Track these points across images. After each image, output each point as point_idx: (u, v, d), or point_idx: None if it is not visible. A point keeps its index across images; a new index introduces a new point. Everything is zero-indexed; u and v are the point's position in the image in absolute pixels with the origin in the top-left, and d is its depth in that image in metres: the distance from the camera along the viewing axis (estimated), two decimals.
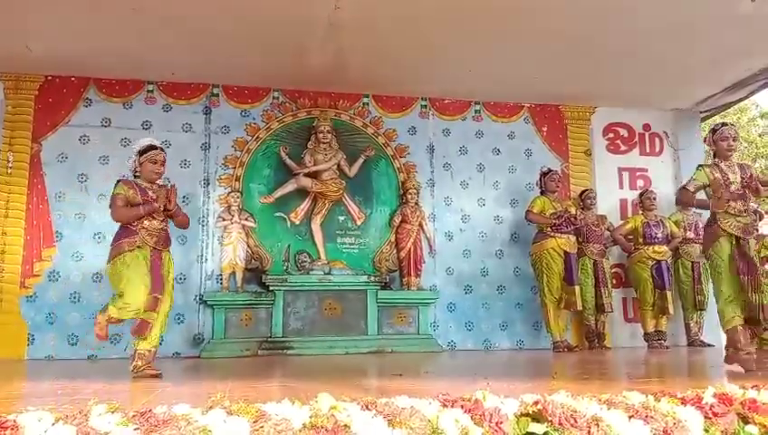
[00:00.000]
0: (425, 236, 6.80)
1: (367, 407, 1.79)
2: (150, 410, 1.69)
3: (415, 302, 6.48)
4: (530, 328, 6.87)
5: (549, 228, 6.26)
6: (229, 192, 6.44)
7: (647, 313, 6.66)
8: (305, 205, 6.59)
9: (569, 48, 5.91)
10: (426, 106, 7.17)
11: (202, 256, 6.38)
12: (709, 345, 6.63)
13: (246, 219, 6.38)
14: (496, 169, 7.16)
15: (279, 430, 1.58)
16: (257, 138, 6.72)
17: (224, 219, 6.35)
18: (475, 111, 7.27)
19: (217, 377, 4.16)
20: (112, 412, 1.65)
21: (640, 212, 6.90)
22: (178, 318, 6.18)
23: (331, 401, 1.79)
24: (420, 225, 6.75)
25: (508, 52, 5.99)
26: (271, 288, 6.16)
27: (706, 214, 7.31)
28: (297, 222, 6.57)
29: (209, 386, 3.36)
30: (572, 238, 6.32)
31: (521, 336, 6.86)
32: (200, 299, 6.24)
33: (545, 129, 7.37)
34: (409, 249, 6.63)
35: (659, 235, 6.68)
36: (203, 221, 6.46)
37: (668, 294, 6.50)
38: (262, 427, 1.61)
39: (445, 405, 1.81)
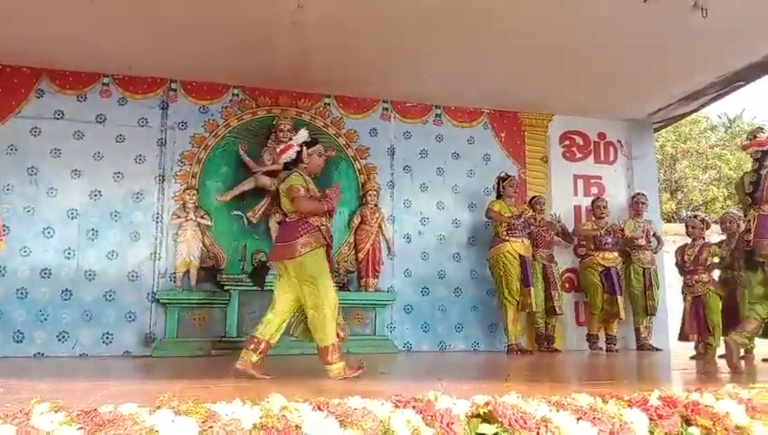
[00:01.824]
0: (383, 238, 6.81)
1: (319, 407, 1.78)
2: (95, 410, 1.64)
3: (372, 303, 6.48)
4: (485, 330, 6.95)
5: (504, 232, 6.34)
6: (185, 189, 6.32)
7: (594, 317, 6.86)
8: (263, 203, 6.51)
9: (528, 56, 6.02)
10: (387, 108, 7.18)
11: (155, 253, 6.24)
12: (657, 349, 6.82)
13: (202, 217, 6.28)
14: (455, 173, 7.23)
15: (228, 431, 1.56)
16: (216, 135, 6.61)
17: (179, 217, 6.23)
18: (436, 115, 7.33)
19: (168, 376, 4.08)
20: (55, 411, 1.60)
21: (592, 219, 7.06)
22: (129, 316, 6.04)
23: (283, 402, 1.77)
24: (379, 226, 6.76)
25: (469, 57, 6.06)
26: (226, 287, 6.08)
27: (658, 222, 7.60)
28: (254, 221, 6.49)
29: (159, 386, 3.29)
30: (527, 242, 6.42)
31: (476, 338, 6.93)
32: (153, 297, 6.11)
33: (504, 134, 7.48)
34: (368, 251, 6.63)
35: (610, 241, 6.86)
36: (157, 218, 6.32)
37: (618, 299, 6.66)
38: (211, 427, 1.58)
39: (397, 406, 1.81)
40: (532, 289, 6.26)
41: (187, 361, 5.29)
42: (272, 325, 3.78)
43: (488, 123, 7.47)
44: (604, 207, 7.01)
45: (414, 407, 1.80)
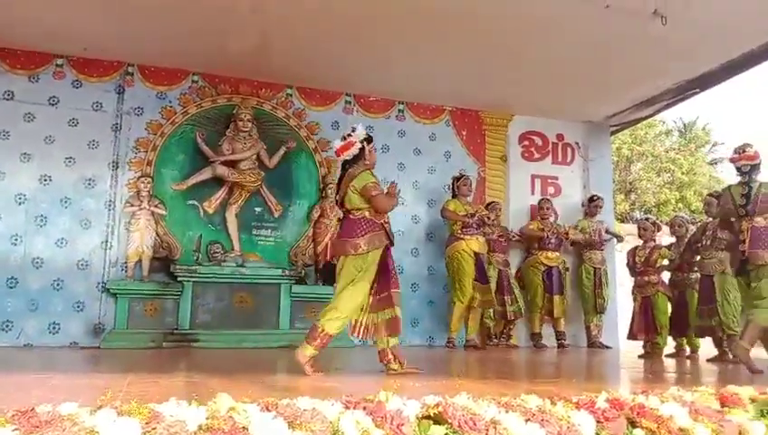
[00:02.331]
0: None
1: (267, 408, 1.75)
2: (32, 410, 1.58)
3: (330, 297, 6.42)
4: (440, 325, 6.97)
5: (459, 230, 6.40)
6: (139, 177, 6.16)
7: (535, 315, 6.98)
8: (220, 194, 6.40)
9: (490, 56, 6.06)
10: (350, 102, 7.14)
11: (107, 241, 6.07)
12: (607, 347, 6.98)
13: (156, 206, 6.13)
14: (416, 169, 7.24)
15: (172, 433, 1.51)
16: (173, 122, 6.46)
17: (132, 205, 6.07)
18: (399, 111, 7.32)
19: (116, 370, 3.98)
20: None
21: (538, 219, 7.17)
22: (78, 306, 5.87)
23: (230, 402, 1.73)
24: (338, 220, 6.72)
25: (432, 55, 6.06)
26: (179, 278, 5.95)
27: (612, 222, 7.76)
28: (211, 211, 6.38)
29: (106, 380, 3.20)
30: (482, 239, 6.49)
31: (431, 333, 6.96)
32: (103, 287, 5.94)
33: (465, 132, 7.52)
34: (326, 244, 6.59)
35: (553, 241, 6.98)
36: (110, 205, 6.15)
37: (556, 298, 6.81)
38: (154, 428, 1.53)
39: (347, 407, 1.80)
40: (490, 285, 6.35)
41: (136, 353, 5.17)
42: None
43: (450, 121, 7.50)
44: (548, 208, 7.14)
45: (364, 408, 1.79)
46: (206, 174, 6.31)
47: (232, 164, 6.35)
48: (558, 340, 6.95)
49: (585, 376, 3.67)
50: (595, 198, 7.33)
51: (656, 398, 2.00)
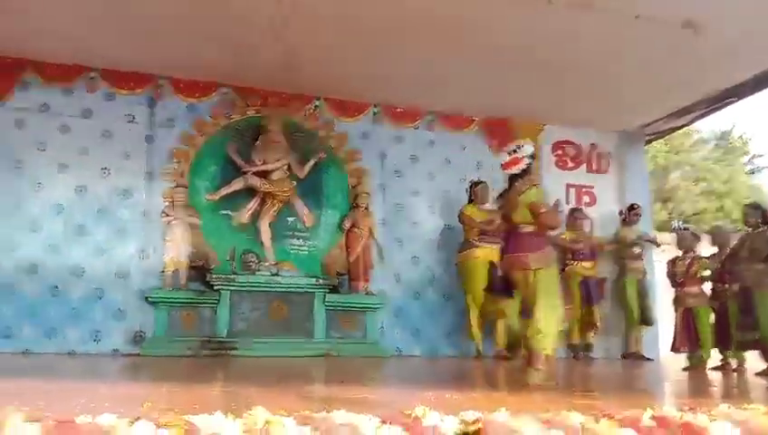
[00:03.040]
0: (375, 242, 6.77)
1: (304, 422, 1.73)
2: (72, 421, 1.59)
3: (363, 307, 6.43)
4: (442, 335, 6.86)
5: (475, 238, 6.27)
6: (174, 187, 6.25)
7: (573, 326, 6.78)
8: (253, 204, 6.46)
9: (520, 66, 6.02)
10: (378, 112, 7.13)
11: (144, 251, 6.17)
12: (649, 359, 6.81)
13: (191, 216, 6.21)
14: (446, 179, 7.19)
15: None
16: (204, 133, 6.54)
17: (167, 215, 6.16)
18: (428, 121, 7.29)
19: (156, 378, 4.02)
20: (30, 422, 1.54)
21: (571, 229, 7.00)
22: (118, 314, 5.98)
23: (267, 415, 1.72)
24: (370, 230, 6.72)
25: (462, 64, 6.03)
26: (216, 287, 6.00)
27: (649, 230, 7.60)
28: (244, 221, 6.43)
29: (145, 388, 3.23)
30: (496, 248, 6.27)
31: (433, 343, 6.82)
32: (142, 295, 6.03)
33: (495, 142, 7.44)
34: (359, 254, 6.59)
35: (587, 252, 6.83)
36: (145, 216, 6.24)
37: (595, 309, 6.68)
38: None
39: (384, 422, 1.76)
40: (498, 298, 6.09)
41: (175, 361, 5.23)
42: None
43: (481, 130, 7.44)
44: (581, 218, 7.00)
45: (402, 423, 1.76)
46: (238, 184, 6.37)
47: (263, 175, 6.40)
48: (585, 351, 6.78)
49: (629, 390, 3.56)
50: (635, 206, 7.18)
51: (704, 416, 1.91)
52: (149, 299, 5.96)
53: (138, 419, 1.65)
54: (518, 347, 6.54)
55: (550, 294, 3.68)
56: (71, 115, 6.20)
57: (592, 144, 7.74)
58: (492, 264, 6.11)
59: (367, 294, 6.51)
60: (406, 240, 6.98)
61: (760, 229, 5.41)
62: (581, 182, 7.63)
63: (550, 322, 3.62)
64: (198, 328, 5.96)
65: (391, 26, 5.34)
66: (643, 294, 6.91)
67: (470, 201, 6.55)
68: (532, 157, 3.92)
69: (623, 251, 6.98)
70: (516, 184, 3.86)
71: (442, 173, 7.21)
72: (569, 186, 7.57)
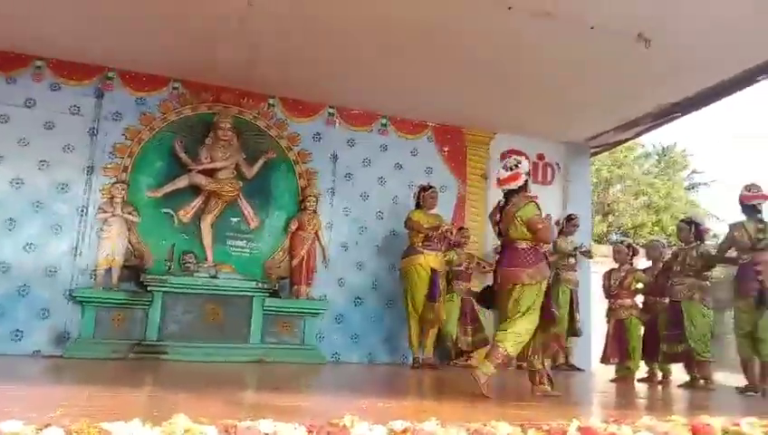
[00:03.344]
0: (320, 245, 6.70)
1: (226, 431, 1.68)
2: None
3: (303, 311, 6.34)
4: (381, 342, 6.81)
5: (420, 244, 6.17)
6: (114, 183, 6.04)
7: None
8: (196, 203, 6.30)
9: (473, 73, 6.07)
10: (333, 114, 7.09)
11: (77, 248, 5.93)
12: (580, 369, 6.95)
13: (130, 213, 6.01)
14: (397, 184, 7.20)
15: None
16: (151, 128, 6.35)
17: (105, 211, 5.94)
18: (382, 125, 7.29)
19: (77, 381, 3.85)
20: None
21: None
22: (43, 314, 5.71)
23: (187, 423, 1.66)
24: (316, 233, 6.65)
25: (417, 70, 6.04)
26: (149, 288, 5.81)
27: (588, 242, 7.79)
28: (186, 220, 6.27)
29: (65, 392, 3.09)
30: (440, 256, 6.26)
31: (371, 349, 6.77)
32: (70, 294, 5.78)
33: (447, 149, 7.51)
34: (303, 257, 6.51)
35: None
36: (82, 211, 6.01)
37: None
38: None
39: (310, 431, 1.73)
40: (436, 304, 6.02)
41: (101, 363, 5.04)
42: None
43: (432, 137, 7.49)
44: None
45: (328, 433, 1.73)
46: (182, 182, 6.21)
47: (209, 173, 6.26)
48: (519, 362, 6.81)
49: (557, 400, 3.62)
50: (573, 216, 7.32)
51: (628, 427, 1.95)
52: (77, 298, 5.73)
53: (47, 425, 1.57)
54: (451, 356, 6.58)
55: (535, 308, 3.83)
56: (12, 104, 5.93)
57: (539, 154, 7.89)
58: (433, 270, 6.12)
59: (308, 298, 6.43)
60: (351, 245, 6.94)
61: (692, 244, 5.59)
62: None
63: (528, 329, 3.79)
64: (128, 330, 5.74)
65: (349, 29, 5.31)
66: (574, 304, 7.03)
67: (417, 206, 6.47)
68: (529, 174, 4.10)
69: (558, 261, 7.10)
70: (513, 199, 3.99)
71: (393, 178, 7.21)
72: None
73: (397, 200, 7.16)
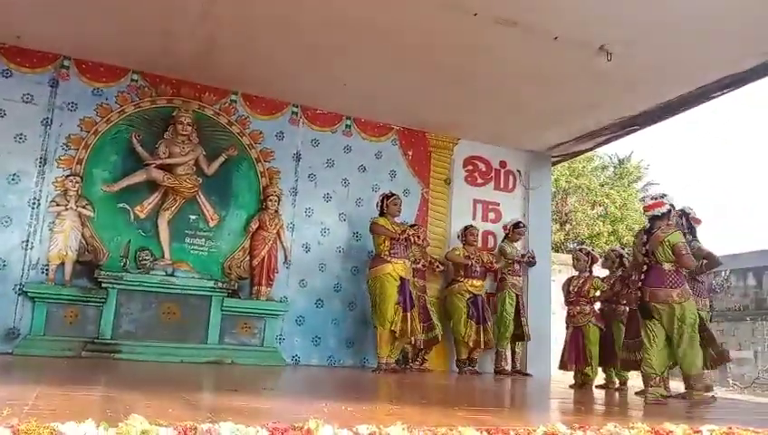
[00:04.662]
0: (281, 246, 6.61)
1: (185, 433, 1.61)
2: None
3: (262, 313, 6.24)
4: (343, 346, 6.76)
5: (387, 252, 6.14)
6: (68, 175, 5.84)
7: (460, 343, 6.81)
8: (154, 199, 6.14)
9: (438, 78, 6.09)
10: (297, 113, 7.01)
11: (28, 241, 5.70)
12: (528, 375, 7.01)
13: (84, 207, 5.83)
14: (361, 186, 7.16)
15: None
16: (108, 120, 6.16)
17: (58, 204, 5.74)
18: (346, 126, 7.24)
19: (27, 380, 3.68)
20: None
21: (462, 246, 7.08)
22: None
23: (144, 425, 1.59)
24: (278, 233, 6.55)
25: (383, 73, 6.04)
26: (103, 285, 5.64)
27: (547, 250, 7.89)
28: (142, 216, 6.10)
29: (12, 391, 2.94)
30: (408, 264, 6.27)
31: (333, 353, 6.70)
32: (20, 290, 5.55)
33: (411, 153, 7.51)
34: (263, 257, 6.41)
35: (478, 269, 6.98)
36: (34, 204, 5.78)
37: (482, 327, 6.77)
38: None
39: (273, 434, 1.67)
40: (409, 314, 6.03)
41: (52, 361, 4.85)
42: (660, 359, 4.54)
43: (397, 140, 7.48)
44: (474, 235, 7.12)
45: None
46: (139, 177, 6.05)
47: (168, 168, 6.11)
48: (469, 365, 6.81)
49: (518, 406, 3.64)
50: (520, 224, 7.40)
51: (593, 433, 1.96)
52: (28, 294, 5.51)
53: None
54: (408, 358, 6.55)
55: (694, 327, 4.40)
56: None
57: (502, 162, 7.96)
58: (402, 279, 6.09)
59: (268, 300, 6.33)
60: (314, 246, 6.86)
61: None
62: (488, 199, 7.81)
63: (697, 354, 4.43)
64: (81, 328, 5.56)
65: (316, 27, 5.25)
66: (520, 309, 7.09)
67: (381, 214, 6.45)
68: (673, 205, 4.67)
69: (505, 266, 7.16)
70: (661, 225, 4.55)
71: (356, 180, 7.17)
72: (476, 201, 7.73)
73: (360, 203, 7.12)
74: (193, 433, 1.59)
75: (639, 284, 4.66)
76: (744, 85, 5.91)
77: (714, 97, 6.21)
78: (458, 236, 7.21)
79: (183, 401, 2.80)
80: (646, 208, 4.74)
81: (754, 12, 4.65)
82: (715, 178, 46.52)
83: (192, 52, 5.85)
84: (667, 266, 4.47)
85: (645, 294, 4.57)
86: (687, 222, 5.66)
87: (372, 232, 6.36)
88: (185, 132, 6.22)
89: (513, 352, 7.20)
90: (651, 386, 4.50)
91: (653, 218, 4.63)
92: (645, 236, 4.62)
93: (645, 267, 4.64)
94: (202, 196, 6.33)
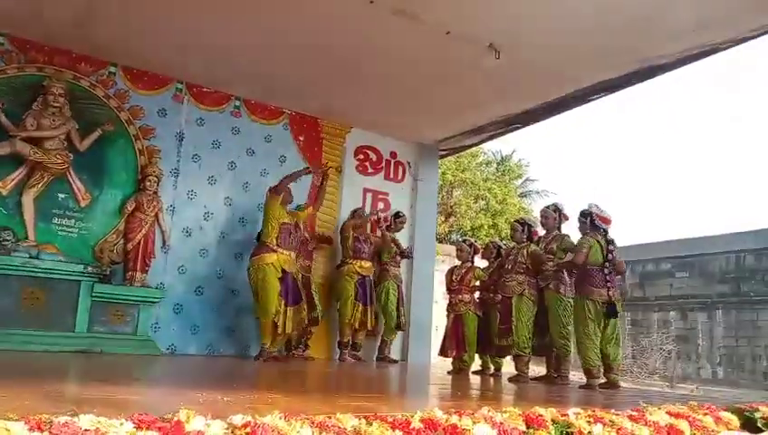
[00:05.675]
0: (159, 229, 6.29)
1: (39, 427, 1.47)
2: None
3: (136, 299, 5.91)
4: (223, 334, 6.57)
5: (273, 242, 6.00)
6: None
7: (345, 325, 6.85)
8: (18, 174, 5.62)
9: (331, 65, 6.04)
10: (181, 90, 6.67)
11: None
12: (395, 361, 7.13)
13: None
14: (248, 171, 6.95)
15: None
16: None
17: None
18: (235, 107, 7.00)
19: None
20: None
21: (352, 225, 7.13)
22: None
23: None
24: (156, 216, 6.22)
25: (276, 55, 5.89)
26: None
27: (432, 242, 8.09)
28: (5, 193, 5.57)
29: None
30: (293, 255, 6.18)
31: (212, 342, 6.51)
32: None
33: (302, 138, 7.40)
34: (139, 241, 6.07)
35: (366, 250, 7.07)
36: None
37: (370, 309, 6.87)
38: None
39: (139, 427, 1.57)
40: (290, 308, 5.96)
41: None
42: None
43: (288, 124, 7.34)
44: (362, 217, 7.24)
45: (159, 428, 1.57)
46: (2, 149, 5.50)
47: (35, 142, 5.62)
48: (353, 350, 6.87)
49: (398, 392, 3.69)
50: (400, 214, 7.53)
51: (468, 418, 2.01)
52: None
53: None
54: (290, 346, 6.53)
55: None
56: None
57: (392, 152, 8.05)
58: (284, 271, 5.97)
59: (143, 286, 6.00)
60: (195, 231, 6.59)
61: (523, 244, 5.98)
62: (378, 188, 7.88)
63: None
64: None
65: (201, 2, 5.00)
66: (400, 299, 7.25)
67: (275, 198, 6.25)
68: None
69: (386, 256, 7.28)
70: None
71: (244, 163, 6.95)
72: (366, 190, 7.77)
73: (247, 187, 6.92)
74: (48, 427, 1.45)
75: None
76: (620, 90, 6.36)
77: (590, 100, 6.63)
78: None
79: (45, 392, 2.58)
80: (608, 221, 5.34)
81: (634, 22, 4.97)
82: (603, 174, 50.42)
83: (67, 18, 5.39)
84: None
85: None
86: (529, 233, 6.03)
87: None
88: (56, 104, 5.75)
89: (383, 341, 7.26)
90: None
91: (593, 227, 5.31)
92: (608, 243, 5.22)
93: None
94: (73, 173, 5.88)
